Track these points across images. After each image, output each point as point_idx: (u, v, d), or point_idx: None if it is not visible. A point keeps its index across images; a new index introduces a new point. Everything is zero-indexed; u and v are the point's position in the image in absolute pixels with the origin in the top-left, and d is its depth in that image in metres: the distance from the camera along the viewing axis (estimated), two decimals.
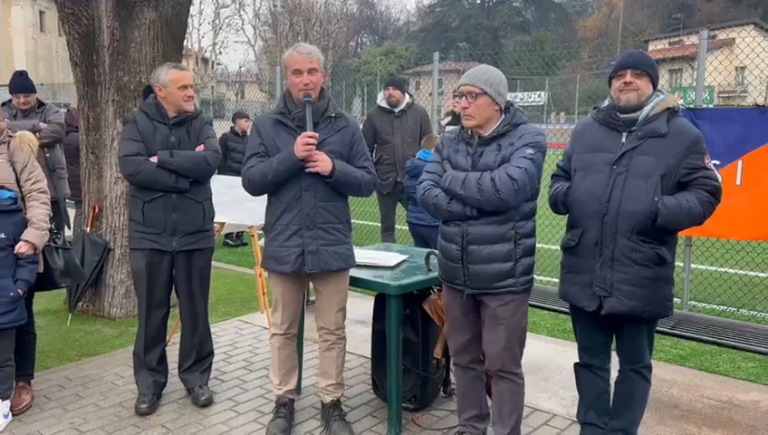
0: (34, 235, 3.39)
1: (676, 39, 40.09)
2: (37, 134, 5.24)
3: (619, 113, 2.78)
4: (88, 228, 5.22)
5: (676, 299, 4.22)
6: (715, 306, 5.58)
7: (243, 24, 55.82)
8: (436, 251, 3.46)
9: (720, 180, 2.76)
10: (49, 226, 3.51)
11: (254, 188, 3.12)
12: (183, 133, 3.56)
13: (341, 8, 42.60)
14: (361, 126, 6.60)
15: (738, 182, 4.97)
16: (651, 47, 39.33)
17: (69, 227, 6.51)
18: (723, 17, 42.50)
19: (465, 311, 2.93)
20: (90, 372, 4.10)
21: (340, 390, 3.37)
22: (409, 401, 3.54)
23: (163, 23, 5.11)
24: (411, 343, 3.46)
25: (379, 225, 7.01)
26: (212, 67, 35.88)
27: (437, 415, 3.55)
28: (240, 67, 39.85)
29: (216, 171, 3.72)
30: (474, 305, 2.91)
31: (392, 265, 3.53)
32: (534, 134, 2.77)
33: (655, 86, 2.78)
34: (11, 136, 3.51)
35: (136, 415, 3.51)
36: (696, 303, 5.67)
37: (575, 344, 3.10)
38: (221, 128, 9.56)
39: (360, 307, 4.76)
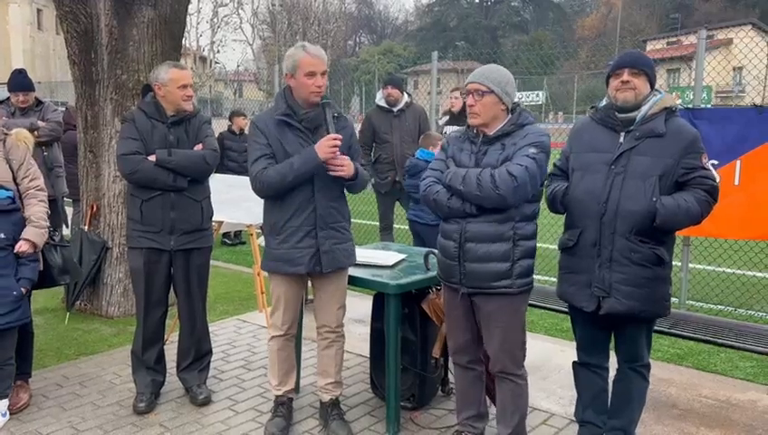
0: (34, 233, 3.38)
1: (674, 39, 40.14)
2: (35, 132, 5.24)
3: (616, 113, 2.78)
4: (86, 227, 5.22)
5: (673, 299, 4.22)
6: (712, 306, 5.59)
7: (241, 22, 55.79)
8: (435, 250, 3.47)
9: (718, 180, 2.77)
10: (48, 223, 3.50)
11: (269, 191, 3.03)
12: (181, 132, 3.55)
13: (340, 7, 42.66)
14: (359, 125, 6.63)
15: (736, 182, 4.98)
16: (649, 47, 39.39)
17: (67, 226, 6.50)
18: (720, 17, 42.57)
19: (464, 310, 2.92)
20: (88, 371, 4.10)
21: (338, 388, 3.37)
22: (408, 400, 3.54)
23: (162, 21, 5.10)
24: (410, 343, 3.46)
25: (378, 224, 7.01)
26: (210, 66, 35.86)
27: (436, 414, 3.55)
28: (238, 66, 39.85)
29: (215, 170, 3.71)
30: (472, 305, 2.90)
31: (391, 264, 3.53)
32: (539, 135, 2.76)
33: (652, 86, 2.78)
34: (7, 134, 3.50)
35: (134, 414, 3.50)
36: (693, 302, 5.67)
37: (573, 344, 3.10)
38: (219, 127, 9.54)
39: (359, 306, 4.76)
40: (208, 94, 27.23)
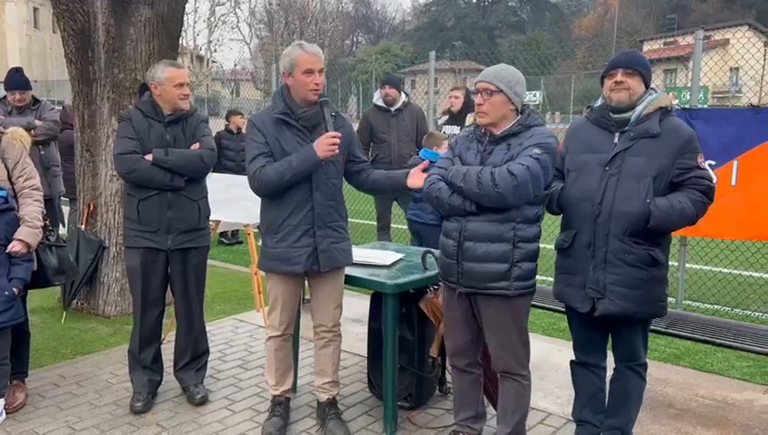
0: (28, 233, 3.36)
1: (671, 39, 40.24)
2: (32, 131, 5.23)
3: (611, 113, 2.78)
4: (83, 226, 5.21)
5: (670, 299, 4.20)
6: (709, 306, 5.60)
7: (238, 21, 55.91)
8: (433, 250, 3.47)
9: (714, 180, 2.76)
10: (42, 223, 3.48)
11: (267, 190, 3.02)
12: (178, 131, 3.54)
13: (337, 6, 42.65)
14: (356, 125, 6.63)
15: (733, 183, 4.98)
16: (646, 47, 39.48)
17: (63, 225, 6.49)
18: (717, 18, 42.68)
19: (463, 311, 2.91)
20: (84, 371, 4.09)
21: (335, 388, 3.36)
22: (405, 400, 3.53)
23: (159, 20, 5.09)
24: (407, 342, 3.46)
25: (375, 223, 7.01)
26: (207, 65, 35.81)
27: (433, 414, 3.55)
28: (235, 65, 39.81)
29: (212, 169, 3.70)
30: (470, 306, 2.89)
31: (388, 263, 3.53)
32: (545, 136, 2.74)
33: (647, 86, 2.77)
34: (2, 132, 3.48)
35: (131, 413, 3.49)
36: (690, 302, 5.68)
37: (571, 343, 3.10)
38: (216, 126, 9.52)
39: (356, 306, 4.76)
40: (205, 93, 27.19)
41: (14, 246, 3.31)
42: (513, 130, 2.76)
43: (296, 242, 3.05)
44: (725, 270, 6.16)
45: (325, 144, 2.93)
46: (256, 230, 3.69)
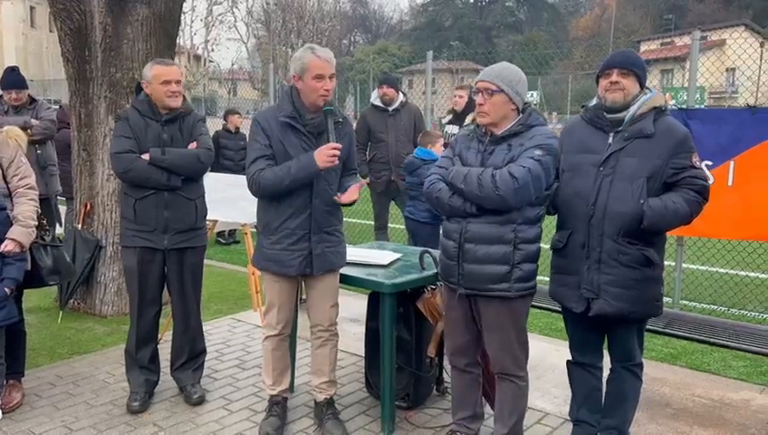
0: (20, 232, 3.33)
1: (668, 40, 40.31)
2: (28, 131, 5.21)
3: (605, 113, 2.77)
4: (79, 225, 5.19)
5: (667, 298, 4.23)
6: (706, 306, 5.61)
7: (235, 21, 55.66)
8: (430, 250, 3.48)
9: (711, 180, 2.77)
10: (36, 223, 3.45)
11: (265, 193, 3.02)
12: (175, 130, 3.53)
13: (334, 6, 42.64)
14: (354, 124, 6.63)
15: (730, 183, 4.99)
16: (643, 48, 39.55)
17: (60, 225, 6.47)
18: (714, 18, 42.72)
19: (463, 312, 2.90)
20: (81, 370, 4.08)
21: (333, 388, 3.36)
22: (402, 400, 3.53)
23: (156, 19, 5.08)
24: (405, 342, 3.46)
25: (372, 223, 7.01)
26: (204, 64, 35.71)
27: (430, 413, 3.55)
28: (232, 64, 39.68)
29: (209, 169, 3.69)
30: (471, 306, 2.89)
31: (386, 263, 3.53)
32: (546, 136, 2.73)
33: (642, 86, 2.77)
34: None
35: (128, 413, 3.49)
36: (687, 302, 5.69)
37: (567, 343, 3.11)
38: (213, 125, 9.52)
39: (354, 306, 4.76)
40: (203, 93, 27.13)
41: (6, 246, 3.27)
42: (515, 129, 2.75)
43: (292, 245, 3.05)
44: (722, 270, 6.17)
45: (325, 155, 2.93)
46: (254, 230, 3.68)
